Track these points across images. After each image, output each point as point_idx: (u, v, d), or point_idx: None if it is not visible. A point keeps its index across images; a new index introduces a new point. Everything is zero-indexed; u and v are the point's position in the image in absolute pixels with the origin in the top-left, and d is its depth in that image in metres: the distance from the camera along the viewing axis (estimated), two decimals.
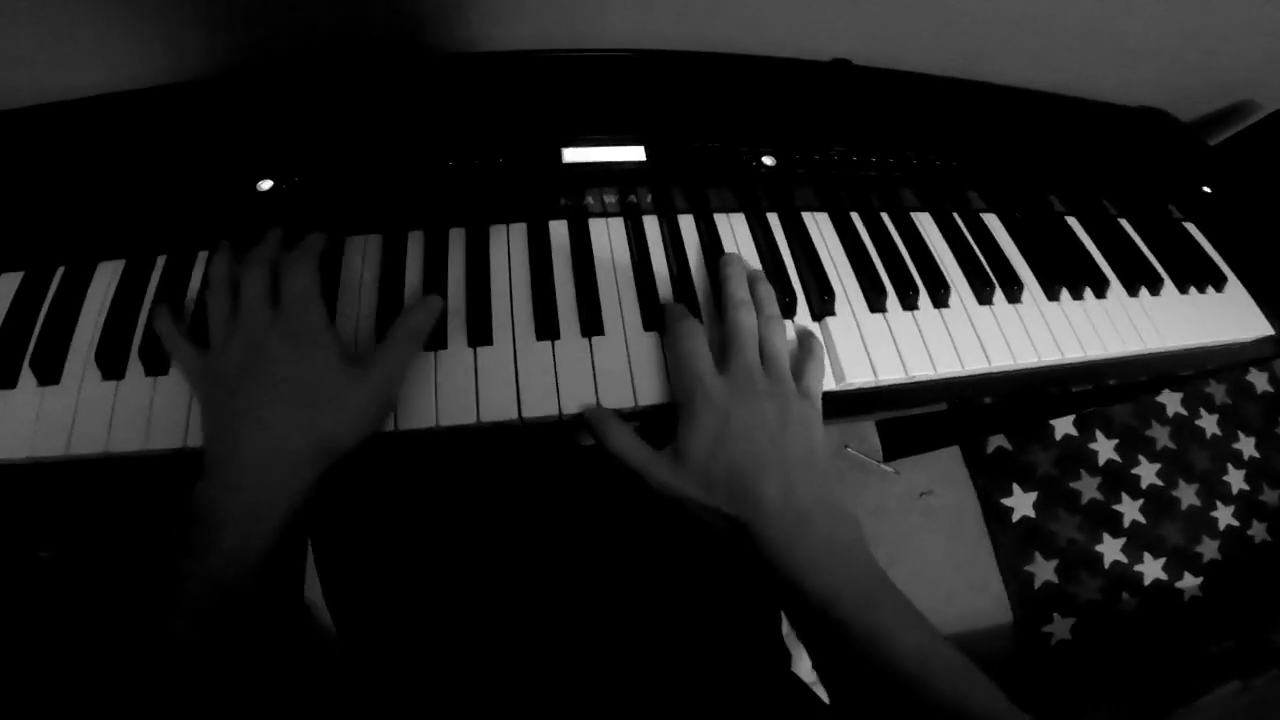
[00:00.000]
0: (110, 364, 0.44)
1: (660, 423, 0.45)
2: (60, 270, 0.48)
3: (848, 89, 0.59)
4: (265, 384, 0.39)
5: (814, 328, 0.49)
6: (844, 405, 0.49)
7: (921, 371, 0.49)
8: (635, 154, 0.52)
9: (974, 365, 0.50)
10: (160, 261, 0.48)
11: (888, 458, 1.35)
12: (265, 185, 0.48)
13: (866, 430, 1.38)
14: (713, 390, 0.42)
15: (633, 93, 0.56)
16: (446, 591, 0.53)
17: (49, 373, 0.44)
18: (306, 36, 0.51)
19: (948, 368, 0.49)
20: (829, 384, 0.47)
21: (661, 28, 0.57)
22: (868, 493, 1.32)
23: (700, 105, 0.56)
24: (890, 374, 0.48)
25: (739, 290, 0.46)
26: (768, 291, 0.48)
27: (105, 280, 0.48)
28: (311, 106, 0.53)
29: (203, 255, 0.49)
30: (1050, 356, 0.52)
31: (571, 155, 0.52)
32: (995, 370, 0.51)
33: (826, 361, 0.48)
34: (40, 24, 0.47)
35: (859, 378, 0.48)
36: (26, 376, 0.44)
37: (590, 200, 0.52)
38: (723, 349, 0.44)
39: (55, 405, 0.43)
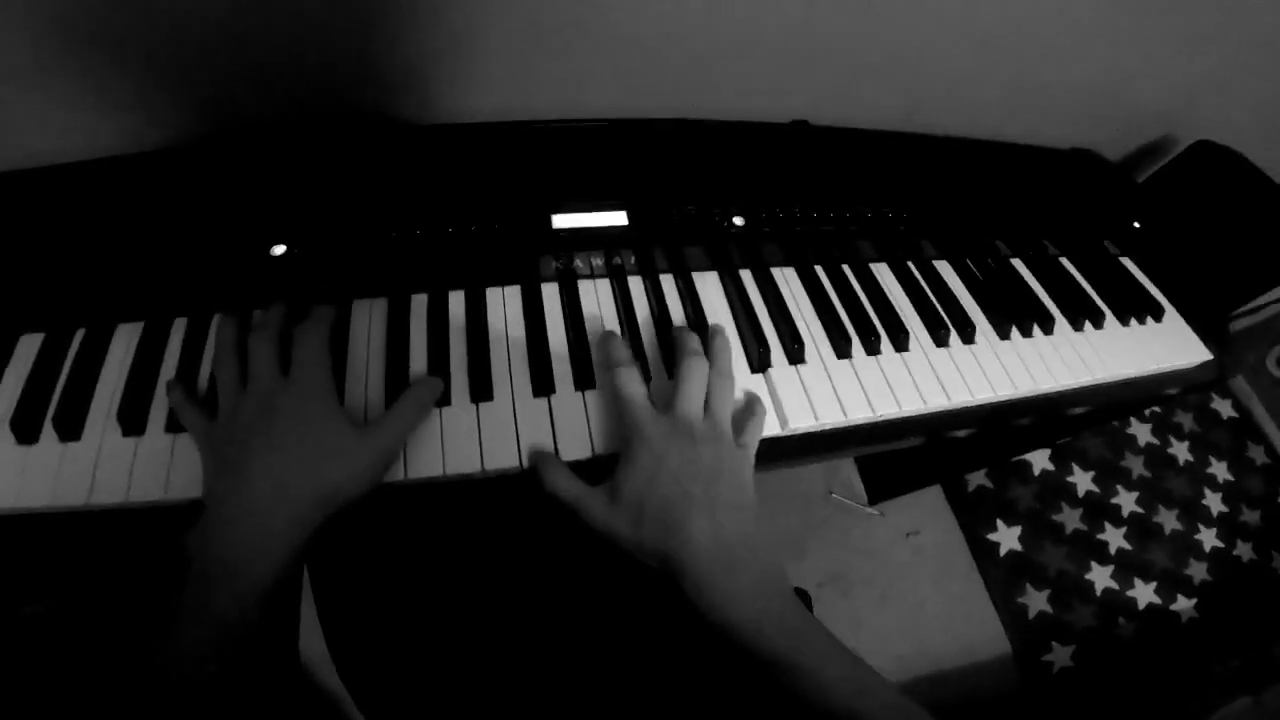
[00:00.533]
0: (130, 421, 0.46)
1: None
2: (80, 332, 0.51)
3: (806, 148, 0.65)
4: (273, 439, 0.41)
5: (788, 373, 0.53)
6: (821, 443, 0.53)
7: (886, 410, 0.53)
8: (618, 218, 0.57)
9: (935, 402, 0.54)
10: (178, 323, 0.51)
11: (872, 500, 1.37)
12: (279, 250, 0.51)
13: (850, 475, 1.41)
14: (651, 433, 0.44)
15: (613, 160, 0.61)
16: (447, 632, 0.55)
17: (70, 430, 0.46)
18: (314, 108, 0.56)
19: (911, 406, 0.53)
20: (805, 424, 0.51)
21: (637, 100, 0.63)
22: (854, 536, 1.33)
23: (675, 168, 0.61)
24: (858, 413, 0.52)
25: (692, 342, 0.50)
26: (724, 347, 0.51)
27: (124, 341, 0.51)
28: (322, 176, 0.57)
29: (218, 317, 0.51)
30: (1005, 391, 0.56)
31: (561, 221, 0.56)
32: (956, 406, 0.55)
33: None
34: (60, 84, 0.51)
35: (829, 418, 0.52)
36: (48, 433, 0.46)
37: (579, 263, 0.56)
38: (671, 393, 0.47)
39: (76, 460, 0.46)
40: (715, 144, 0.65)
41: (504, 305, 0.54)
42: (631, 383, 0.47)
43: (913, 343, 0.57)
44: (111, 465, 0.45)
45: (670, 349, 0.53)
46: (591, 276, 0.57)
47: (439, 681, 0.53)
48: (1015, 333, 0.60)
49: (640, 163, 0.62)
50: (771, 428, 0.51)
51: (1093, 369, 0.60)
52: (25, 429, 0.46)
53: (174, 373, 0.49)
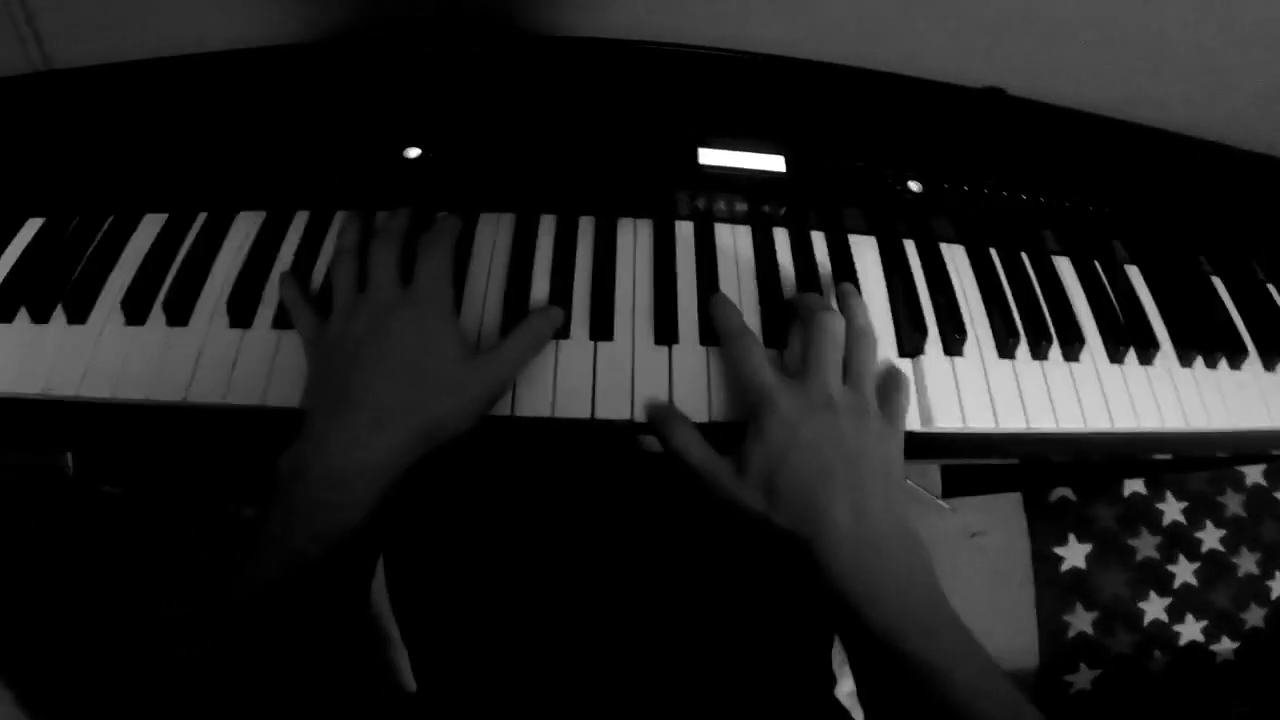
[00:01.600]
0: (240, 312, 0.45)
1: None
2: (202, 216, 0.49)
3: (998, 119, 0.56)
4: (384, 358, 0.38)
5: (942, 364, 0.48)
6: (959, 447, 0.48)
7: (1043, 424, 0.47)
8: (774, 163, 0.51)
9: (1096, 424, 0.48)
10: (299, 217, 0.49)
11: (946, 494, 1.32)
12: (413, 153, 0.48)
13: (929, 464, 1.36)
14: (782, 404, 0.39)
15: (776, 100, 0.54)
16: (506, 597, 0.53)
17: (179, 314, 0.45)
18: (463, 9, 0.51)
19: (1070, 424, 0.47)
20: (951, 424, 0.46)
21: (810, 39, 0.55)
22: (919, 525, 1.29)
23: (844, 120, 0.54)
24: (1011, 423, 0.47)
25: (819, 300, 0.45)
26: (859, 304, 0.45)
27: (244, 230, 0.49)
28: (465, 83, 0.53)
29: (340, 215, 0.49)
30: (1175, 424, 0.49)
31: (708, 157, 0.51)
32: (1116, 431, 0.49)
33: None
34: None
35: (979, 423, 0.46)
36: (157, 315, 0.45)
37: (721, 205, 0.51)
38: (802, 357, 0.42)
39: (181, 347, 0.44)
40: (893, 100, 0.57)
41: (634, 239, 0.50)
42: (752, 349, 0.41)
43: (1085, 353, 0.50)
44: (214, 357, 0.44)
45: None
46: (732, 221, 0.52)
47: (494, 635, 0.52)
48: (1199, 361, 0.53)
49: (805, 108, 0.55)
50: (911, 422, 0.45)
51: (1274, 414, 0.52)
52: (135, 309, 0.45)
53: (289, 267, 0.47)
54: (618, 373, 0.44)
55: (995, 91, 0.55)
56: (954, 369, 0.48)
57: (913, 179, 0.51)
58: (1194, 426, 0.50)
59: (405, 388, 0.38)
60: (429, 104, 0.51)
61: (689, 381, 0.45)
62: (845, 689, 0.86)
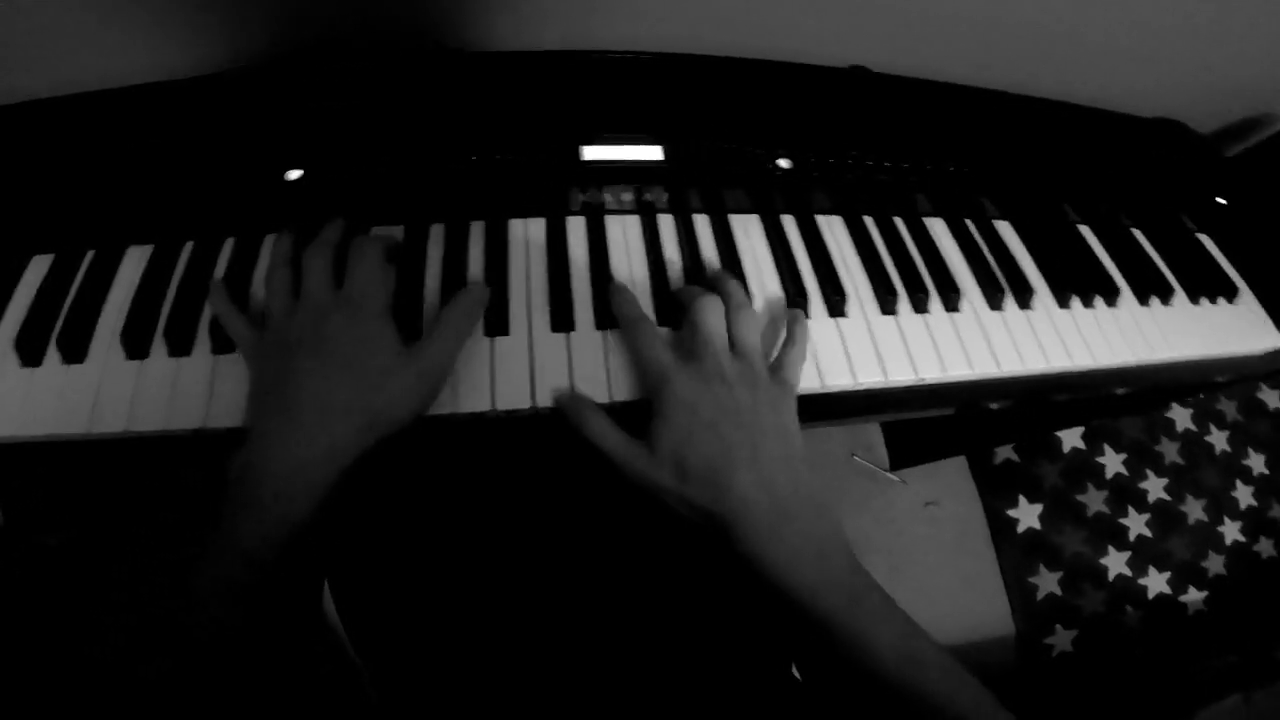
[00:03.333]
0: (135, 344, 0.45)
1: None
2: (90, 254, 0.49)
3: (864, 95, 0.59)
4: (323, 355, 0.39)
5: (826, 326, 0.50)
6: (855, 405, 0.50)
7: (931, 374, 0.49)
8: (653, 153, 0.53)
9: (983, 369, 0.50)
10: (187, 247, 0.49)
11: (894, 467, 1.34)
12: (294, 175, 0.49)
13: (874, 438, 1.38)
14: (676, 382, 0.41)
15: (652, 94, 0.56)
16: (455, 593, 0.53)
17: (75, 351, 0.45)
18: (337, 31, 0.52)
19: (957, 370, 0.50)
20: (842, 382, 0.48)
21: (680, 32, 0.57)
22: (873, 502, 1.31)
23: (718, 108, 0.56)
24: (900, 375, 0.49)
25: (698, 289, 0.47)
26: (733, 284, 0.47)
27: (133, 264, 0.49)
28: (341, 100, 0.54)
29: (229, 242, 0.50)
30: (1060, 363, 0.52)
31: (590, 153, 0.52)
32: (1004, 375, 0.51)
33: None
34: (77, 14, 0.48)
35: (869, 378, 0.48)
36: (52, 355, 0.45)
37: (608, 198, 0.53)
38: (689, 341, 0.44)
39: (79, 383, 0.44)
40: (764, 84, 0.60)
41: (526, 237, 0.51)
42: (648, 333, 0.44)
43: (964, 303, 0.53)
44: (113, 390, 0.44)
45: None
46: (620, 212, 0.53)
47: (443, 637, 0.52)
48: (1076, 302, 0.56)
49: (682, 99, 0.57)
50: (809, 382, 0.47)
51: (1155, 347, 0.55)
52: (29, 350, 0.45)
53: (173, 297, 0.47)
54: (516, 365, 0.45)
55: (860, 70, 0.58)
56: (840, 330, 0.50)
57: (782, 157, 0.53)
58: (1079, 365, 0.53)
59: (343, 384, 0.39)
60: (308, 126, 0.52)
61: (588, 363, 0.46)
62: None
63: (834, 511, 0.41)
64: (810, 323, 0.50)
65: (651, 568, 0.56)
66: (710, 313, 0.44)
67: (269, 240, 0.50)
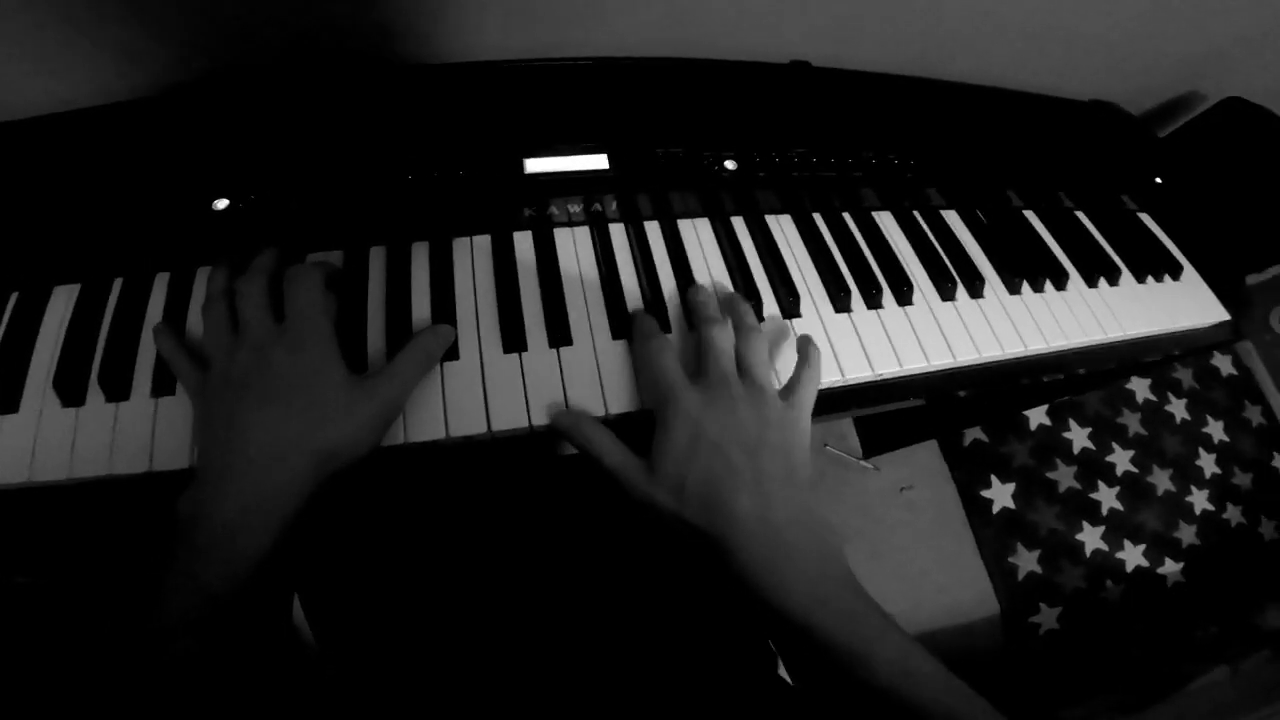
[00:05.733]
0: (69, 390, 0.43)
1: (632, 429, 0.44)
2: (13, 296, 0.47)
3: (807, 90, 0.59)
4: (269, 391, 0.38)
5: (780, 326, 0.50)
6: (818, 405, 0.49)
7: (888, 369, 0.49)
8: (598, 162, 0.52)
9: (939, 361, 0.51)
10: (117, 284, 0.48)
11: (867, 454, 1.36)
12: (221, 204, 0.47)
13: (845, 428, 1.39)
14: (684, 400, 0.41)
15: (593, 101, 0.56)
16: (430, 604, 0.53)
17: (6, 401, 0.43)
18: (261, 47, 0.51)
19: (914, 364, 0.50)
20: None
21: (621, 36, 0.57)
22: (849, 490, 1.32)
23: (661, 111, 0.56)
24: (857, 373, 0.49)
25: (709, 308, 0.46)
26: (743, 305, 0.48)
27: (61, 305, 0.47)
28: (265, 122, 0.52)
29: (161, 277, 0.48)
30: (1014, 349, 0.53)
31: (533, 165, 0.52)
32: (961, 365, 0.52)
33: (819, 372, 0.47)
34: (21, 30, 0.46)
35: (827, 377, 0.48)
36: None
37: (555, 210, 0.52)
38: (697, 360, 0.44)
39: (14, 433, 0.42)
40: (707, 85, 0.60)
41: (472, 256, 0.50)
42: (664, 351, 0.44)
43: (917, 296, 0.53)
44: (50, 438, 0.42)
45: (654, 295, 0.50)
46: (570, 224, 0.53)
47: (418, 649, 0.51)
48: (1026, 287, 0.56)
49: (624, 104, 0.56)
50: None
51: (1106, 327, 0.56)
52: None
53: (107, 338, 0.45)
54: (468, 389, 0.44)
55: (801, 65, 0.58)
56: (794, 332, 0.50)
57: (728, 158, 0.53)
58: (1033, 349, 0.54)
59: (294, 418, 0.38)
60: (234, 152, 0.50)
61: (542, 383, 0.45)
62: None
63: (835, 533, 0.41)
64: (764, 325, 0.49)
65: (632, 574, 0.55)
66: (721, 335, 0.44)
67: (203, 273, 0.48)
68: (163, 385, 0.44)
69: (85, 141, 0.51)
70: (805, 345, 0.47)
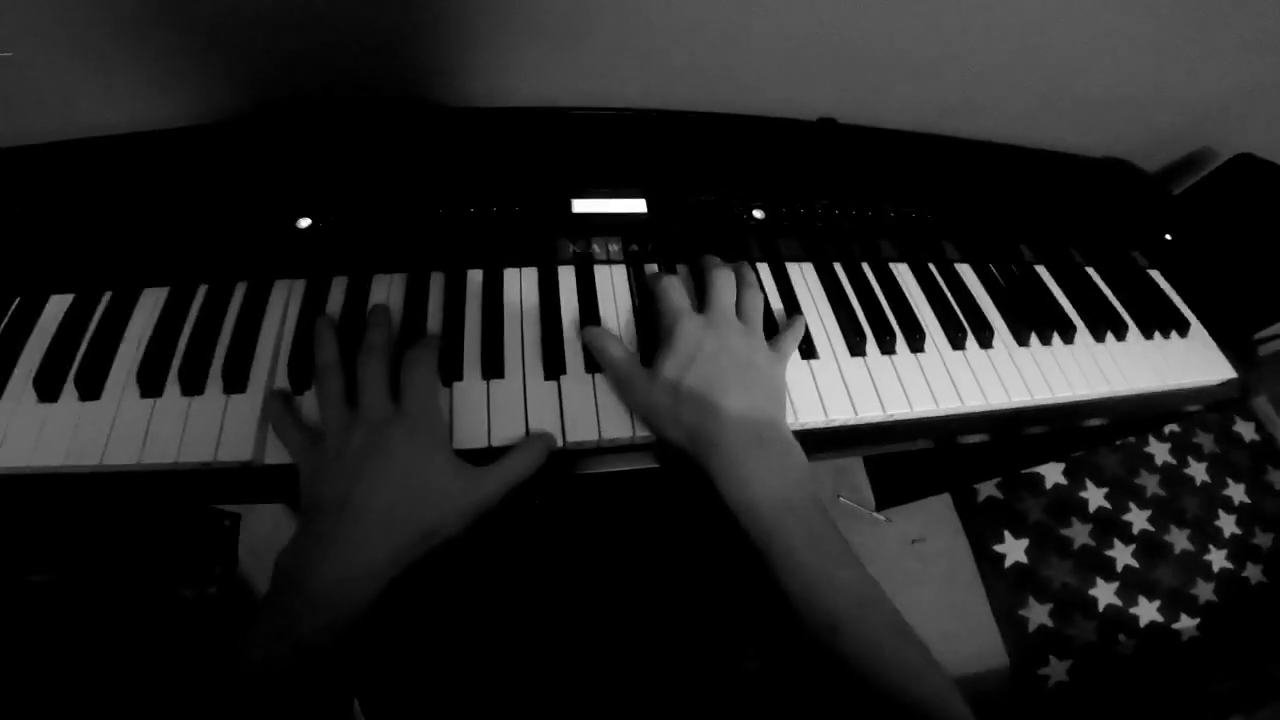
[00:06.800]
0: (150, 382, 0.47)
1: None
2: (107, 295, 0.52)
3: (832, 146, 0.64)
4: (384, 471, 0.41)
5: (800, 368, 0.53)
6: (830, 441, 0.53)
7: (898, 410, 0.52)
8: (637, 206, 0.57)
9: (948, 405, 0.54)
10: (201, 290, 0.52)
11: (880, 506, 1.36)
12: (304, 223, 0.52)
13: (859, 480, 1.40)
14: (688, 322, 0.48)
15: (636, 149, 0.61)
16: (454, 612, 0.55)
17: (91, 389, 0.47)
18: (348, 89, 0.56)
19: (923, 407, 0.53)
20: (814, 419, 0.51)
21: (664, 90, 0.62)
22: (860, 540, 1.32)
23: (697, 160, 0.61)
24: (869, 412, 0.52)
25: (716, 259, 0.54)
26: (746, 268, 0.55)
27: (149, 305, 0.52)
28: (349, 153, 0.57)
29: (241, 285, 0.53)
30: (1019, 397, 0.55)
31: (580, 205, 0.56)
32: (969, 410, 0.55)
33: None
34: (98, 60, 0.52)
35: (840, 414, 0.51)
36: (69, 392, 0.47)
37: (596, 248, 0.56)
38: (704, 296, 0.50)
39: (94, 419, 0.46)
40: (739, 138, 0.65)
41: (520, 285, 0.55)
42: (673, 286, 0.50)
43: (929, 344, 0.56)
44: (127, 426, 0.46)
45: None
46: (608, 262, 0.57)
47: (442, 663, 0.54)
48: (1034, 340, 0.59)
49: (663, 153, 0.61)
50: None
51: (1111, 381, 0.59)
52: (47, 386, 0.47)
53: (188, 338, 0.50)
54: (511, 406, 0.48)
55: (828, 122, 0.63)
56: (812, 371, 0.53)
57: (756, 207, 0.57)
58: (1039, 400, 0.56)
59: (405, 499, 0.41)
60: (318, 176, 0.55)
61: (579, 405, 0.49)
62: None
63: (807, 462, 0.46)
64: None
65: (650, 589, 0.57)
66: (724, 279, 0.51)
67: (279, 285, 0.53)
68: (235, 383, 0.48)
69: (178, 158, 0.57)
70: (793, 318, 0.54)
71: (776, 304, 0.57)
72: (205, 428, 0.46)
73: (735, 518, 0.43)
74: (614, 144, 0.61)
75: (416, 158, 0.58)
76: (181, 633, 0.83)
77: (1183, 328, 0.65)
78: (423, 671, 0.53)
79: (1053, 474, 1.46)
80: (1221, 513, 1.48)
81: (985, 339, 0.58)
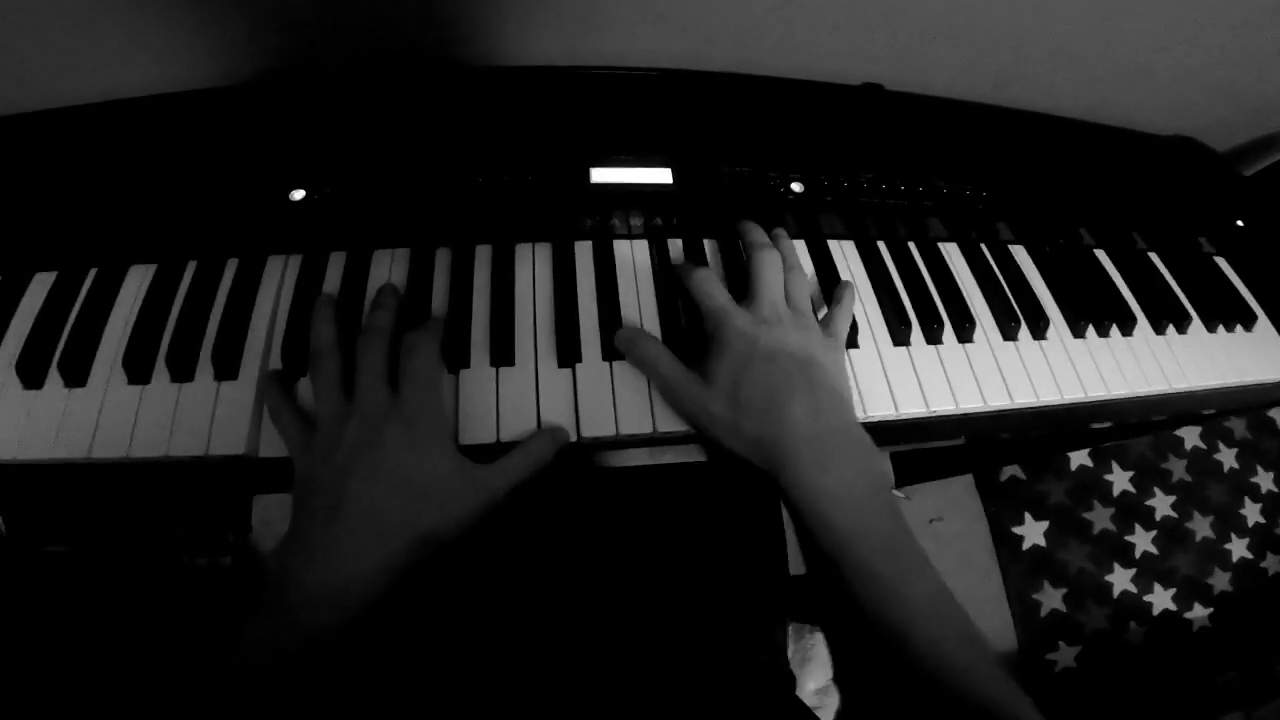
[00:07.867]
0: (137, 368, 0.44)
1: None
2: (93, 272, 0.49)
3: (878, 114, 0.58)
4: (378, 469, 0.37)
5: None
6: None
7: (943, 407, 0.48)
8: (662, 176, 0.52)
9: (996, 402, 0.49)
10: (190, 266, 0.49)
11: (900, 484, 1.33)
12: (298, 195, 0.48)
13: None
14: (738, 319, 0.43)
15: (662, 114, 0.56)
16: (451, 604, 0.53)
17: (76, 375, 0.44)
18: (342, 45, 0.51)
19: (969, 403, 0.49)
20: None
21: (693, 49, 0.57)
22: None
23: (729, 128, 0.55)
24: (911, 408, 0.48)
25: (760, 236, 0.49)
26: (789, 246, 0.50)
27: (136, 283, 0.48)
28: (345, 118, 0.53)
29: (232, 262, 0.49)
30: (1074, 395, 0.51)
31: (599, 175, 0.52)
32: (1017, 407, 0.50)
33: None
34: (81, 26, 0.48)
35: (879, 411, 0.47)
36: (54, 378, 0.44)
37: (615, 221, 0.52)
38: (748, 285, 0.46)
39: (80, 408, 0.43)
40: (776, 103, 0.59)
41: (533, 262, 0.50)
42: (710, 281, 0.46)
43: (978, 334, 0.52)
44: (114, 415, 0.43)
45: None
46: (629, 236, 0.53)
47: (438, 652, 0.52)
48: (1091, 331, 0.55)
49: (691, 118, 0.56)
50: None
51: (1170, 377, 0.54)
52: (30, 372, 0.44)
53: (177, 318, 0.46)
54: (522, 397, 0.45)
55: (874, 87, 0.57)
56: (851, 362, 0.49)
57: (795, 180, 0.52)
58: (1093, 397, 0.52)
59: (400, 501, 0.37)
60: (314, 143, 0.51)
61: (594, 397, 0.45)
62: (809, 688, 0.86)
63: (878, 453, 0.42)
64: None
65: (655, 590, 0.55)
66: (770, 266, 0.47)
67: (272, 261, 0.49)
68: (226, 370, 0.44)
69: (164, 125, 0.53)
70: (841, 290, 0.50)
71: (815, 288, 0.52)
72: (196, 418, 0.43)
73: (802, 521, 0.40)
74: (638, 108, 0.56)
75: (420, 123, 0.53)
76: (194, 602, 0.83)
77: (1249, 321, 0.60)
78: (423, 671, 0.51)
79: (1078, 456, 1.42)
80: (1247, 500, 1.45)
81: (1039, 329, 0.53)
